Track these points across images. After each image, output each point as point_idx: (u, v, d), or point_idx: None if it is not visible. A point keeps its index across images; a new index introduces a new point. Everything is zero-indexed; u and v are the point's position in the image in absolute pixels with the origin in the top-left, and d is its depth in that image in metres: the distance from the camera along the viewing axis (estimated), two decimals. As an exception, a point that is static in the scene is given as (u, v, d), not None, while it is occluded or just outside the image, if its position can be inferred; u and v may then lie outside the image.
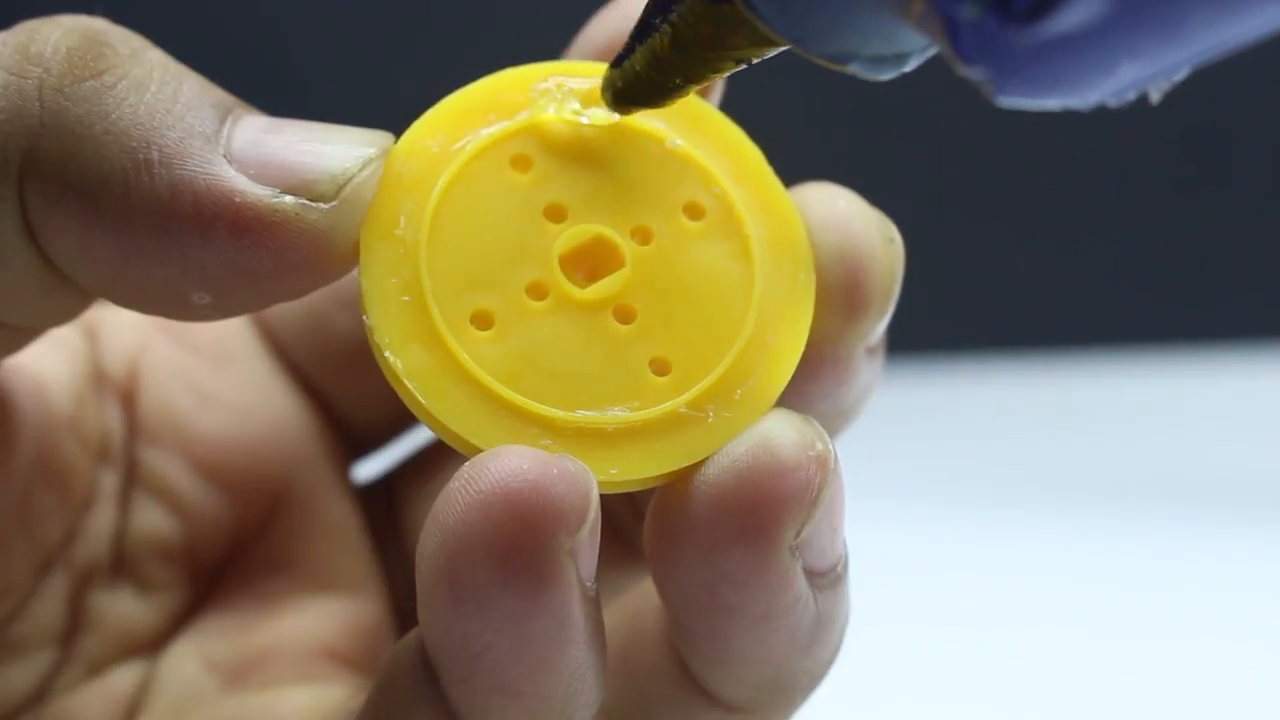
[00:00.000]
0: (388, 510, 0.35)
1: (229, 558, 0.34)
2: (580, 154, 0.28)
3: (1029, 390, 0.87)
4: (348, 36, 0.87)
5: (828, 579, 0.28)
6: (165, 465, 0.33)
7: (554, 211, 0.28)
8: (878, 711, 0.59)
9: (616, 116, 0.28)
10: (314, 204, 0.26)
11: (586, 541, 0.25)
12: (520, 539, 0.25)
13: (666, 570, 0.27)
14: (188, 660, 0.33)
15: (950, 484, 0.76)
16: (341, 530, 0.34)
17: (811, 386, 0.29)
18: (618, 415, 0.27)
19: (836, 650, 0.29)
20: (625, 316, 0.27)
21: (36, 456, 0.31)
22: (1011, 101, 0.21)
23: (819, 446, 0.26)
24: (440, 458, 0.35)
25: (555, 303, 0.27)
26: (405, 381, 0.26)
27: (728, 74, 0.26)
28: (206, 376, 0.34)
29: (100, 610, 0.32)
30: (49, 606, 0.32)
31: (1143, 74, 0.21)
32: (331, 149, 0.27)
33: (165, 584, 0.33)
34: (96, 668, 0.32)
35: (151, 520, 0.33)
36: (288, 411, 0.34)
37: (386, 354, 0.26)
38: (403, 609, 0.34)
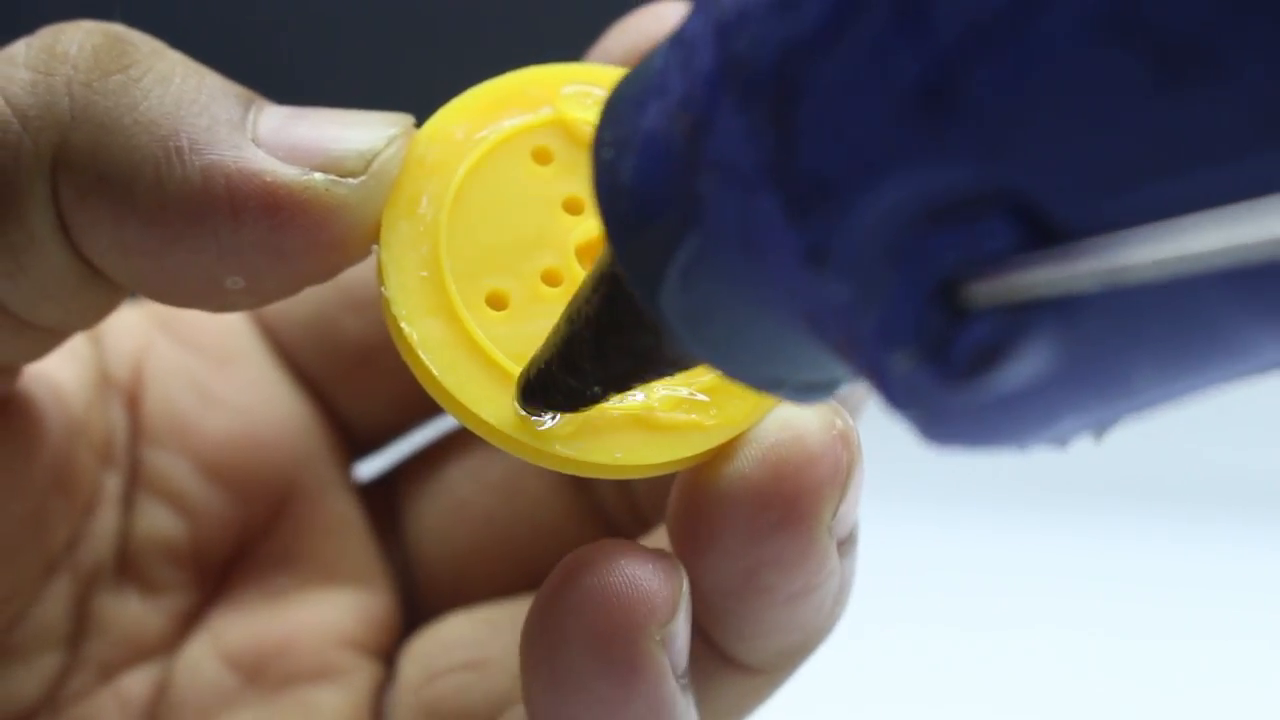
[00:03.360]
0: (388, 508, 0.35)
1: (234, 558, 0.34)
2: None
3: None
4: (347, 40, 0.87)
5: (847, 545, 0.28)
6: (169, 466, 0.33)
7: (572, 204, 0.28)
8: (878, 711, 0.59)
9: None
10: (343, 180, 0.26)
11: (679, 630, 0.26)
12: (616, 631, 0.26)
13: (700, 558, 0.27)
14: (205, 660, 0.33)
15: (950, 484, 0.76)
16: (346, 526, 0.34)
17: None
18: (627, 401, 0.27)
19: (845, 607, 0.30)
20: None
21: (53, 465, 0.31)
22: (945, 450, 0.20)
23: (839, 424, 0.27)
24: (439, 458, 0.35)
25: (568, 290, 0.27)
26: (419, 353, 0.27)
27: (649, 384, 0.25)
28: (210, 377, 0.34)
29: (106, 613, 0.33)
30: (52, 610, 0.32)
31: (1083, 425, 0.20)
32: (356, 130, 0.27)
33: (171, 585, 0.33)
34: (107, 673, 0.32)
35: (156, 521, 0.33)
36: (291, 411, 0.34)
37: (402, 324, 0.27)
38: (405, 602, 0.35)
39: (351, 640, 0.33)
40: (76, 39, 0.27)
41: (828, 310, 0.19)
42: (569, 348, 0.25)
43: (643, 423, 0.27)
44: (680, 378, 0.27)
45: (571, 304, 0.25)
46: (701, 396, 0.27)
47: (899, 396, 0.19)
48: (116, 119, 0.26)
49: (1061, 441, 0.20)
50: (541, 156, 0.28)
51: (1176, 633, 0.64)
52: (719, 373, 0.22)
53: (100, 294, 0.28)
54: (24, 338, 0.28)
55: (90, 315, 0.28)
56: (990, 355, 0.18)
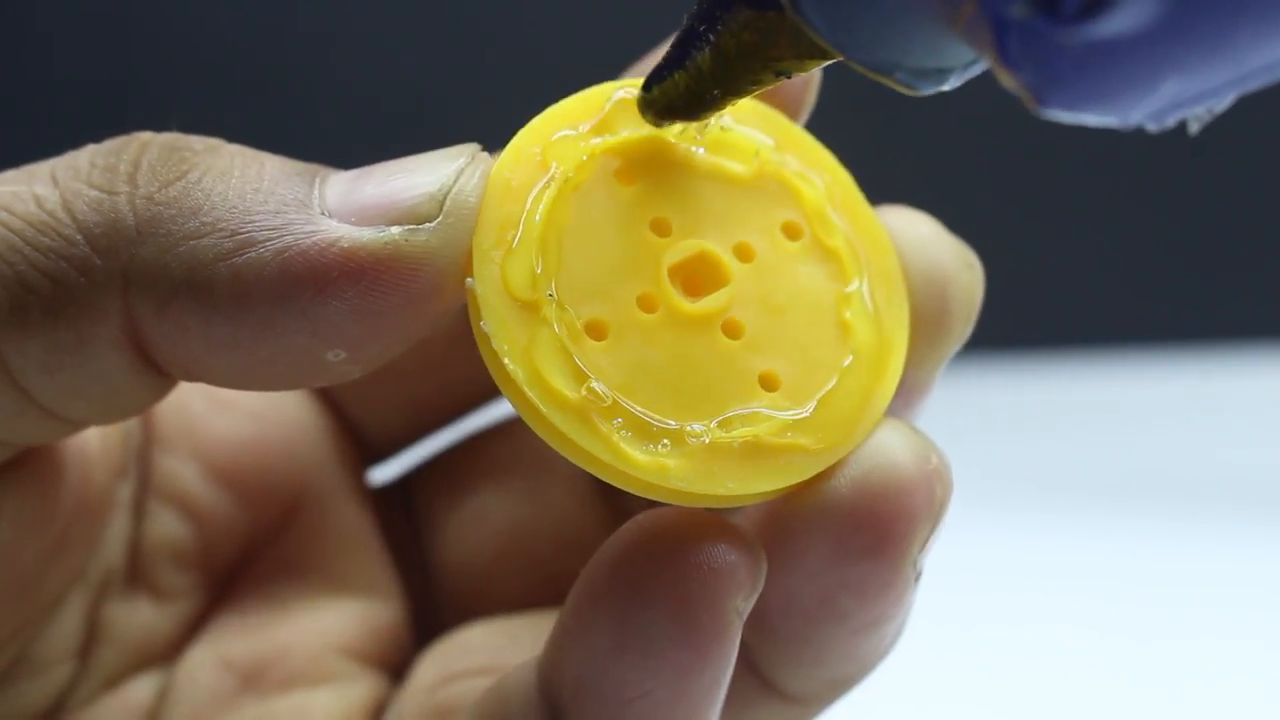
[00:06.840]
0: (404, 515, 0.35)
1: (242, 563, 0.34)
2: (677, 169, 0.28)
3: (1029, 390, 0.87)
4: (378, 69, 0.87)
5: (915, 584, 0.28)
6: (180, 471, 0.33)
7: (659, 226, 0.27)
8: (880, 711, 0.59)
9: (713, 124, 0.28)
10: (421, 227, 0.26)
11: (749, 609, 0.26)
12: (703, 598, 0.26)
13: (780, 574, 0.27)
14: (204, 664, 0.32)
15: (957, 486, 0.75)
16: (356, 535, 0.34)
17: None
18: (736, 431, 0.26)
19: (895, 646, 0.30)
20: (733, 331, 0.27)
21: (75, 494, 0.31)
22: (1054, 113, 0.21)
23: (934, 459, 0.27)
24: (460, 466, 0.35)
25: (665, 315, 0.27)
26: (526, 390, 0.26)
27: (766, 87, 0.26)
28: None
29: (116, 621, 0.32)
30: (67, 622, 0.32)
31: (1186, 93, 0.21)
32: (421, 174, 0.26)
33: (180, 591, 0.33)
34: (113, 680, 0.32)
35: (166, 526, 0.33)
36: (303, 418, 0.34)
37: (506, 361, 0.26)
38: (420, 613, 0.34)
39: (351, 649, 0.33)
40: (134, 156, 0.27)
41: None
42: (692, 54, 0.26)
43: (752, 450, 0.26)
44: (784, 400, 0.27)
45: (693, 14, 0.25)
46: (804, 414, 0.27)
47: (1014, 49, 0.20)
48: (182, 225, 0.26)
49: (1162, 117, 0.21)
50: (624, 176, 0.27)
51: (1179, 632, 0.64)
52: (841, 55, 0.24)
53: (144, 399, 0.27)
54: (44, 426, 0.28)
55: (115, 415, 0.28)
56: None
